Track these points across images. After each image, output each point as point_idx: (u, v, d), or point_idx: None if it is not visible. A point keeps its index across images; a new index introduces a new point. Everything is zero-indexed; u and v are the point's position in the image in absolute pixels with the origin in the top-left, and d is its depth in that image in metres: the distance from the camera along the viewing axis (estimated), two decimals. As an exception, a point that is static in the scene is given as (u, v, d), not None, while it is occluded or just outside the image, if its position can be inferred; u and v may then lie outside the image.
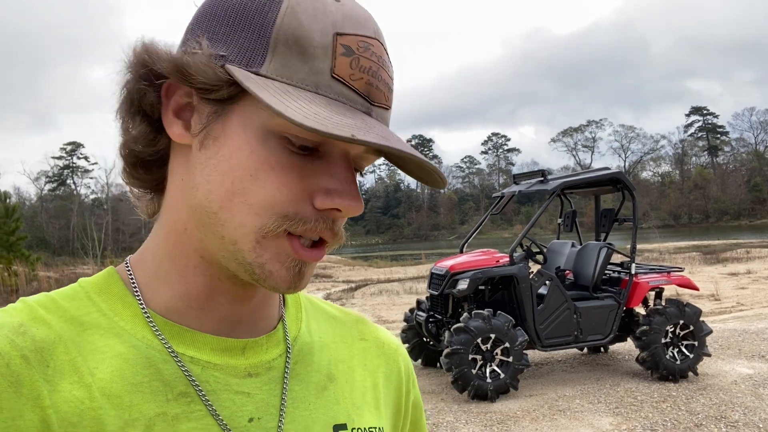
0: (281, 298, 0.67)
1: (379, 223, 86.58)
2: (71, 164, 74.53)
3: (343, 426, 0.61)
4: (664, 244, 29.31)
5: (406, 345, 6.78)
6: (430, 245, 54.55)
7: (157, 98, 0.54)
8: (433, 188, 0.61)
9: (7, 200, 21.90)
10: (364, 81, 0.52)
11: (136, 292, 0.57)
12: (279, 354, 0.61)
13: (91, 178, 75.23)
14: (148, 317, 0.56)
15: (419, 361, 6.84)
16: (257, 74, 0.50)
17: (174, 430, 0.52)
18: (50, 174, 72.94)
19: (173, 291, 0.57)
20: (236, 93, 0.51)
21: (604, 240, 7.03)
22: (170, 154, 0.57)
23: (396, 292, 15.31)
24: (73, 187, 74.52)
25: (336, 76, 0.51)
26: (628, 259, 6.58)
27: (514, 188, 6.86)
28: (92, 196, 74.24)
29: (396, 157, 0.53)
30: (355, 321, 0.72)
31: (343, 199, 0.52)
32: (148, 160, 0.58)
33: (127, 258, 0.61)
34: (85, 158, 73.91)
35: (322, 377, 0.63)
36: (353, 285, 17.58)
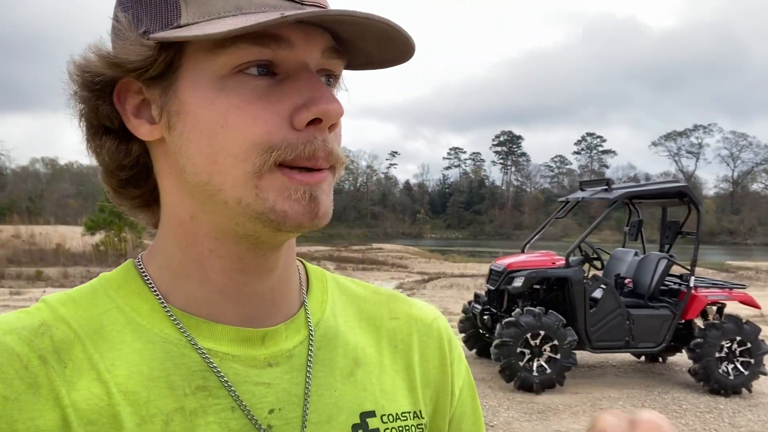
0: (305, 281, 0.65)
1: (460, 218, 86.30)
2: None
3: (371, 413, 0.60)
4: (764, 263, 27.41)
5: (463, 335, 7.25)
6: (512, 244, 53.55)
7: (112, 109, 0.54)
8: (397, 63, 0.55)
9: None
10: None
11: (152, 287, 0.56)
12: (300, 341, 0.59)
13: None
14: (167, 311, 0.55)
15: (474, 350, 7.28)
16: (179, 27, 0.49)
17: (192, 425, 0.52)
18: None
19: (190, 282, 0.56)
20: (172, 60, 0.50)
21: (668, 251, 7.11)
22: (151, 158, 0.57)
23: (467, 287, 15.70)
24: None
25: None
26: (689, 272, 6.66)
27: (579, 194, 7.10)
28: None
29: (356, 42, 0.52)
30: (387, 299, 0.69)
31: (319, 105, 0.49)
32: (132, 174, 0.57)
33: (140, 254, 0.60)
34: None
35: (348, 362, 0.61)
36: (426, 277, 18.12)
